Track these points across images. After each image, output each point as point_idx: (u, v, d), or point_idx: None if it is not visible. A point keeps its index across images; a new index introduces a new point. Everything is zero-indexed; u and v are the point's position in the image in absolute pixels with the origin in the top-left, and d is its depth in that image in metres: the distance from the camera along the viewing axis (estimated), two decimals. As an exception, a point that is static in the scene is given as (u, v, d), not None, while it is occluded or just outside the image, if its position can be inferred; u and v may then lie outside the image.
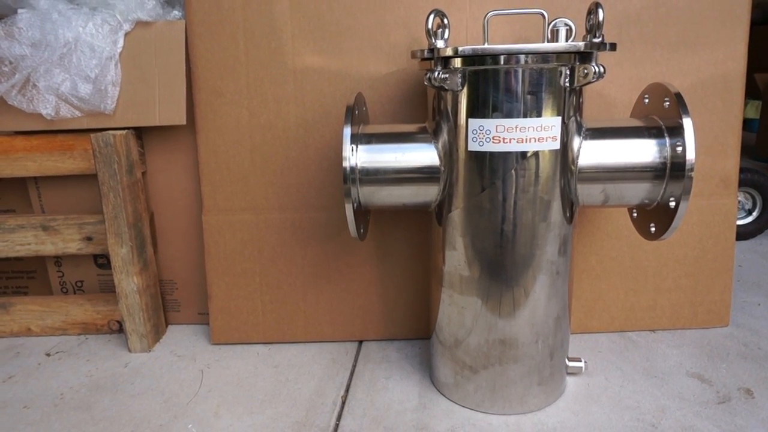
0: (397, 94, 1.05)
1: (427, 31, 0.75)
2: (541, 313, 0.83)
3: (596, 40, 0.72)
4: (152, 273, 1.15)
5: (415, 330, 1.12)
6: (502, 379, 0.85)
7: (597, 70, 0.71)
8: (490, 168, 0.77)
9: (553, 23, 0.77)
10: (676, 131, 0.78)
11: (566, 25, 0.76)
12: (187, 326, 1.22)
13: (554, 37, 0.77)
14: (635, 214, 0.89)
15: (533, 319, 0.82)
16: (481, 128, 0.75)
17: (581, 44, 0.70)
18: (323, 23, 1.02)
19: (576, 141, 0.79)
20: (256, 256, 1.11)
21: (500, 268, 0.80)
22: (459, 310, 0.85)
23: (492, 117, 0.74)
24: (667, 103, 0.80)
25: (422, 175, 0.83)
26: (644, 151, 0.81)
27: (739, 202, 1.64)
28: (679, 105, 0.78)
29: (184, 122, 1.06)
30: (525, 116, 0.74)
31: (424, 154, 0.83)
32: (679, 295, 1.09)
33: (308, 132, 1.06)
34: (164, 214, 1.17)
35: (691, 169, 0.75)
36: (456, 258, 0.83)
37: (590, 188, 0.81)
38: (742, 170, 1.43)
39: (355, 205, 0.82)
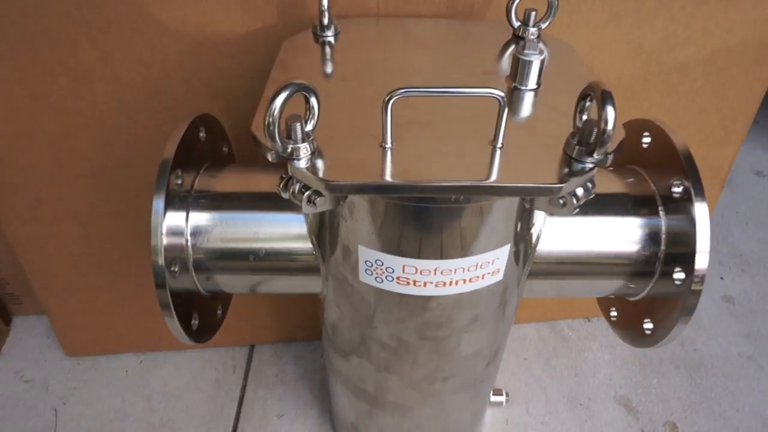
0: (266, 67, 0.66)
1: (269, 128, 0.37)
2: (456, 418, 0.66)
3: (591, 163, 0.39)
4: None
5: (308, 331, 0.94)
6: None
7: (586, 193, 0.40)
8: (390, 306, 0.50)
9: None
10: (679, 208, 0.51)
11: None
12: (36, 320, 0.98)
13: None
14: (613, 313, 0.64)
15: (447, 425, 0.66)
16: (379, 263, 0.46)
17: (570, 182, 0.37)
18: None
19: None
20: (99, 270, 0.83)
21: (401, 396, 0.60)
22: (360, 414, 0.67)
23: (398, 255, 0.45)
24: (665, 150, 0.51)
25: (297, 264, 0.54)
26: (623, 233, 0.54)
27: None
28: (690, 177, 0.49)
29: None
30: (454, 257, 0.45)
31: (297, 235, 0.53)
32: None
33: (133, 119, 0.68)
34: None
35: (701, 280, 0.50)
36: (348, 368, 0.61)
37: (537, 284, 0.57)
38: None
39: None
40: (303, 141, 0.38)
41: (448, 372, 0.58)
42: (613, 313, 0.64)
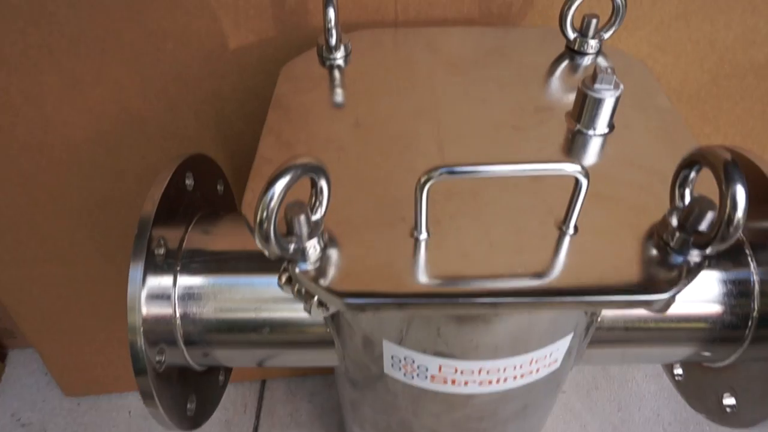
0: (268, 89, 0.55)
1: (262, 226, 0.27)
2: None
3: (700, 257, 0.28)
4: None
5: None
6: None
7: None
8: (423, 400, 0.41)
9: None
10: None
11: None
12: (33, 353, 0.91)
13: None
14: (678, 371, 0.53)
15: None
16: (410, 360, 0.36)
17: (674, 289, 0.27)
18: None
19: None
20: (91, 310, 0.75)
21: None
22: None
23: (434, 355, 0.35)
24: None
25: (310, 336, 0.45)
26: (702, 290, 0.44)
27: None
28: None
29: None
30: (503, 356, 0.35)
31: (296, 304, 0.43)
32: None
33: (113, 153, 0.59)
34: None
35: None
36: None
37: (597, 353, 0.47)
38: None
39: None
40: (310, 237, 0.28)
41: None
42: (678, 372, 0.54)
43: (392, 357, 0.37)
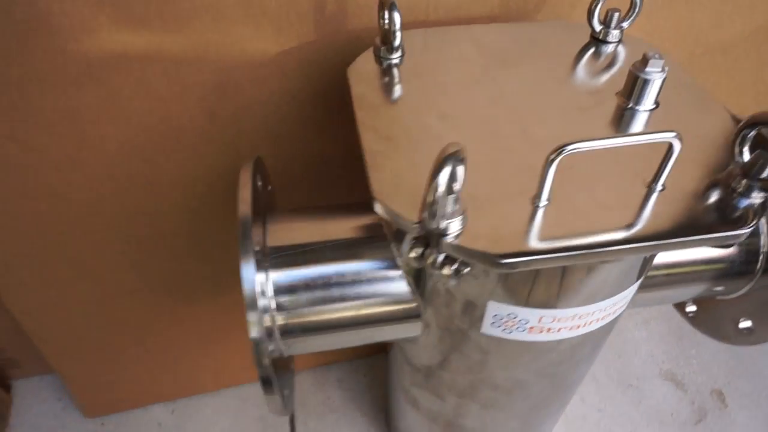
0: (305, 91, 0.58)
1: (433, 209, 0.31)
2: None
3: (763, 197, 0.35)
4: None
5: (347, 351, 0.89)
6: None
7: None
8: (513, 352, 0.46)
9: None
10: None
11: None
12: (39, 381, 0.88)
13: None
14: (691, 308, 0.62)
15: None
16: (512, 316, 0.42)
17: (752, 224, 0.34)
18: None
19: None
20: (118, 325, 0.74)
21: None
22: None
23: (536, 307, 0.41)
24: None
25: (391, 313, 0.49)
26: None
27: None
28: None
29: None
30: (596, 301, 0.41)
31: (388, 284, 0.47)
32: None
33: (149, 163, 0.59)
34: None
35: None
36: (438, 406, 0.58)
37: (639, 299, 0.54)
38: None
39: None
40: (457, 215, 0.32)
41: (554, 398, 0.55)
42: (691, 309, 0.63)
43: (494, 316, 0.42)
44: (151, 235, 0.66)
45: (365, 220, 0.50)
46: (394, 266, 0.46)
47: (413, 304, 0.47)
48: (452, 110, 0.43)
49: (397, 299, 0.47)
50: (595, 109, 0.43)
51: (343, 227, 0.49)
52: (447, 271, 0.35)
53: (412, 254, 0.36)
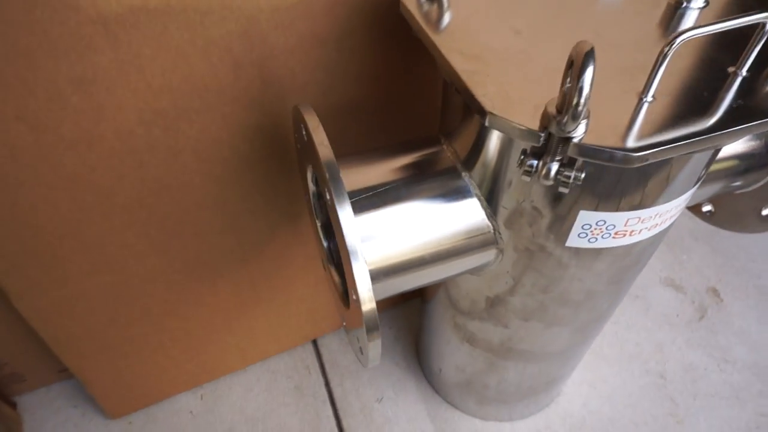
0: (333, 35, 0.56)
1: (578, 109, 0.31)
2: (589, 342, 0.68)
3: None
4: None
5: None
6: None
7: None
8: (593, 262, 0.48)
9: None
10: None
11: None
12: (46, 392, 0.82)
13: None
14: (707, 208, 0.66)
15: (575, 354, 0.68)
16: (601, 223, 0.43)
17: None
18: None
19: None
20: (141, 316, 0.70)
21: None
22: (482, 369, 0.66)
23: (624, 210, 0.42)
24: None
25: (468, 244, 0.49)
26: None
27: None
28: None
29: None
30: (674, 198, 0.43)
31: (464, 214, 0.48)
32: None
33: (172, 130, 0.55)
34: None
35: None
36: (496, 333, 0.59)
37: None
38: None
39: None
40: (586, 116, 0.33)
41: (614, 307, 0.58)
42: (707, 208, 0.68)
43: (583, 226, 0.43)
44: (174, 212, 0.62)
45: (424, 154, 0.50)
46: (466, 195, 0.46)
47: (489, 232, 0.47)
48: (523, 25, 0.42)
49: (473, 228, 0.47)
50: (652, 11, 0.44)
51: (408, 163, 0.48)
52: (564, 178, 0.35)
53: (544, 172, 0.36)
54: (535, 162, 0.36)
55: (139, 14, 0.47)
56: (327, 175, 0.39)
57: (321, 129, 0.42)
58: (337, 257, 0.57)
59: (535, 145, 0.34)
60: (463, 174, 0.47)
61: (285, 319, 0.81)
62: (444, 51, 0.40)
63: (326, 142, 0.41)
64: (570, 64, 0.31)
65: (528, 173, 0.37)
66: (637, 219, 0.43)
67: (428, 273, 0.49)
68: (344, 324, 0.54)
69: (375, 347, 0.43)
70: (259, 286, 0.75)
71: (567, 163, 0.36)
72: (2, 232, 0.55)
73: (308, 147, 0.44)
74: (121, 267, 0.63)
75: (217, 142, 0.58)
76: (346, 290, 0.54)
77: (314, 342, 0.88)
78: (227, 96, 0.55)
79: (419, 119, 0.66)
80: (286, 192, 0.66)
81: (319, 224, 0.58)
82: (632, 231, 0.44)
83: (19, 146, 0.50)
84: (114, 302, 0.66)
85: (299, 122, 0.46)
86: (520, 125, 0.34)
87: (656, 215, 0.44)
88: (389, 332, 0.88)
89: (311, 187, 0.56)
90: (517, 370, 0.66)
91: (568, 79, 0.32)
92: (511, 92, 0.36)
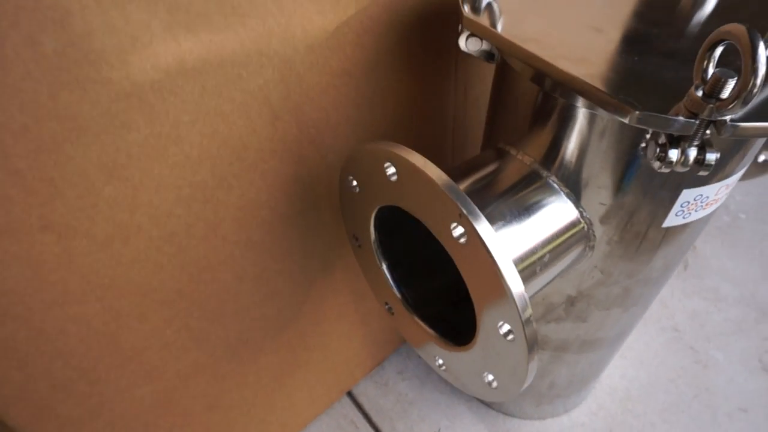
0: (359, 67, 0.53)
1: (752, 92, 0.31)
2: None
3: None
4: None
5: (392, 342, 0.86)
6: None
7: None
8: (680, 238, 0.50)
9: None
10: None
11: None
12: None
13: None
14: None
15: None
16: (699, 197, 0.45)
17: None
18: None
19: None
20: (182, 420, 0.60)
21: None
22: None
23: (720, 180, 0.44)
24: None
25: (567, 242, 0.48)
26: None
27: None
28: None
29: None
30: (742, 168, 0.47)
31: (557, 212, 0.47)
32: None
33: (209, 204, 0.49)
34: None
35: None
36: (564, 330, 0.60)
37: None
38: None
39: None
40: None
41: (662, 286, 0.61)
42: (763, 157, 0.74)
43: (683, 204, 0.45)
44: (215, 293, 0.54)
45: (498, 166, 0.49)
46: (555, 195, 0.46)
47: (583, 227, 0.48)
48: (598, 22, 0.43)
49: (568, 225, 0.47)
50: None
51: (490, 178, 0.47)
52: (705, 160, 0.36)
53: (657, 156, 0.37)
54: (672, 150, 0.37)
55: (176, 78, 0.41)
56: (463, 210, 0.37)
57: (428, 162, 0.39)
58: (415, 302, 0.54)
59: (685, 134, 0.35)
60: (545, 174, 0.47)
61: (322, 376, 0.75)
62: (518, 41, 0.39)
63: (438, 171, 0.39)
64: (709, 46, 0.32)
65: (662, 160, 0.37)
66: (725, 186, 0.46)
67: (543, 280, 0.48)
68: (443, 368, 0.51)
69: (533, 368, 0.41)
70: (297, 349, 0.69)
71: (702, 146, 0.37)
72: (28, 373, 0.44)
73: (404, 185, 0.41)
74: (160, 372, 0.54)
75: (255, 205, 0.52)
76: (447, 329, 0.51)
77: (349, 394, 0.82)
78: (266, 151, 0.50)
79: (440, 140, 0.65)
80: (321, 243, 0.62)
81: (384, 267, 0.54)
82: (718, 199, 0.47)
83: (46, 262, 0.41)
84: (153, 413, 0.56)
85: (378, 161, 0.43)
86: (676, 117, 0.34)
87: (729, 186, 0.46)
88: (421, 361, 0.85)
89: (372, 234, 0.53)
90: (580, 360, 0.67)
91: (711, 64, 0.33)
92: (629, 87, 0.36)
